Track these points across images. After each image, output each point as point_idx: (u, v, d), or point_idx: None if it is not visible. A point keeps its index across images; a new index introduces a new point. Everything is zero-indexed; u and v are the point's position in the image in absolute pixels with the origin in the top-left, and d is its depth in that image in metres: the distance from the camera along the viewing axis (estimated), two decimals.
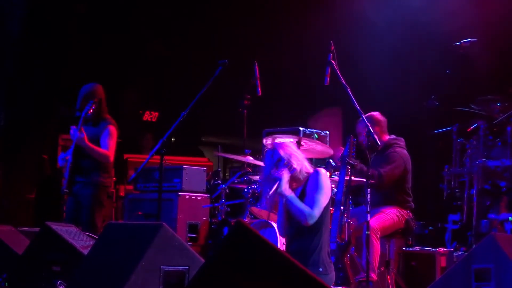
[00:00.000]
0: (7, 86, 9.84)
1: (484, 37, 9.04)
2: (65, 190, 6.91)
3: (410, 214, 6.83)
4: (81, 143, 6.73)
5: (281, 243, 6.60)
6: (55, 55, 10.27)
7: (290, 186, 5.19)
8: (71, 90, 10.53)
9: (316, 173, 5.18)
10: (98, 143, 6.90)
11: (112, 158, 6.92)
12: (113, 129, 6.97)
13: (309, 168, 5.25)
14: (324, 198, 5.13)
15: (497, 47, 9.17)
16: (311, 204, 5.09)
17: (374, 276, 6.31)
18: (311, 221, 5.07)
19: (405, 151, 6.98)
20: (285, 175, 5.15)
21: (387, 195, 6.77)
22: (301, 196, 5.20)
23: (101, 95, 7.05)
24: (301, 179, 5.23)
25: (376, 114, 7.03)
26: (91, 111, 6.78)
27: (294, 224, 5.25)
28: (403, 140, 7.05)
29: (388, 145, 6.89)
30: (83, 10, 10.62)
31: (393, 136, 7.06)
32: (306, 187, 5.19)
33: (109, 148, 6.89)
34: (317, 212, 5.08)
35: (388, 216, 6.71)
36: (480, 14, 9.11)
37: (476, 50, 8.99)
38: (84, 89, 7.08)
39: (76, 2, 10.49)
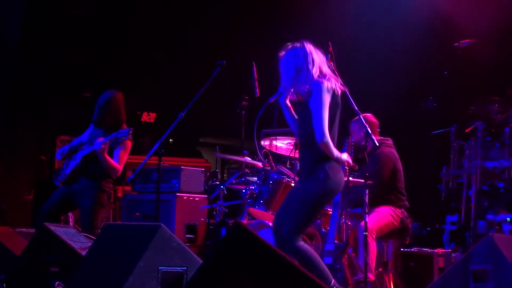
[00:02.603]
0: (6, 87, 9.83)
1: (483, 38, 9.05)
2: (58, 182, 6.88)
3: (405, 212, 6.83)
4: (99, 153, 6.67)
5: None
6: (54, 56, 10.27)
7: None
8: (70, 92, 10.60)
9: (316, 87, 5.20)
10: (111, 152, 6.85)
11: (120, 172, 6.86)
12: (129, 144, 6.86)
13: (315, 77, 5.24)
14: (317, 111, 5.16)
15: (496, 48, 9.18)
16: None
17: (371, 277, 6.32)
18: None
19: (393, 150, 6.99)
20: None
21: (379, 194, 6.77)
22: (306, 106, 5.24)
23: (120, 103, 6.91)
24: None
25: (369, 115, 7.04)
26: (126, 137, 6.61)
27: (299, 134, 5.38)
28: (390, 139, 7.07)
29: (376, 146, 6.90)
30: (83, 14, 10.62)
31: (380, 137, 7.07)
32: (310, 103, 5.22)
33: (120, 162, 6.81)
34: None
35: (383, 216, 6.71)
36: (479, 15, 9.11)
37: (475, 51, 9.00)
38: (102, 97, 6.92)
39: (75, 7, 10.49)
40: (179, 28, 11.29)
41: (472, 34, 9.08)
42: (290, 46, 5.38)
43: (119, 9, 10.91)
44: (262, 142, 7.14)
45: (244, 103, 8.13)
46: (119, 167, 6.80)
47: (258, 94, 7.60)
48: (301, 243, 5.19)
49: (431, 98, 9.22)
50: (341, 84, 5.34)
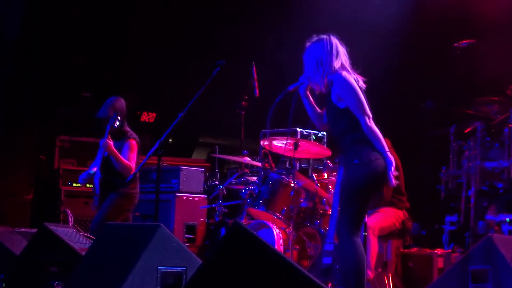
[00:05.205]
0: (6, 87, 9.83)
1: (482, 38, 9.05)
2: (95, 206, 6.94)
3: (406, 214, 6.84)
4: (108, 149, 6.76)
5: (278, 244, 6.59)
6: (54, 56, 10.27)
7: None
8: (70, 92, 10.60)
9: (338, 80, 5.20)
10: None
11: (133, 171, 6.88)
12: (133, 143, 6.97)
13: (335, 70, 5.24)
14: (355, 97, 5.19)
15: (495, 48, 9.17)
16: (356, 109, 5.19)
17: (370, 275, 6.31)
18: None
19: (393, 152, 7.00)
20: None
21: (382, 196, 6.76)
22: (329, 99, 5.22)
23: (123, 109, 7.06)
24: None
25: None
26: (117, 123, 6.78)
27: (332, 129, 5.36)
28: (388, 140, 7.07)
29: None
30: (83, 14, 10.62)
31: None
32: (337, 93, 5.20)
33: (129, 160, 6.89)
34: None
35: (386, 217, 6.72)
36: (478, 14, 9.11)
37: (474, 51, 9.00)
38: (109, 100, 7.11)
39: (75, 7, 10.49)
40: (179, 28, 11.29)
41: (472, 34, 9.08)
42: (316, 38, 5.36)
43: (119, 9, 10.90)
44: (261, 142, 7.14)
45: (243, 103, 8.14)
46: (129, 164, 6.85)
47: (257, 94, 7.61)
48: (357, 239, 5.00)
49: (430, 98, 9.21)
50: (363, 81, 5.34)
